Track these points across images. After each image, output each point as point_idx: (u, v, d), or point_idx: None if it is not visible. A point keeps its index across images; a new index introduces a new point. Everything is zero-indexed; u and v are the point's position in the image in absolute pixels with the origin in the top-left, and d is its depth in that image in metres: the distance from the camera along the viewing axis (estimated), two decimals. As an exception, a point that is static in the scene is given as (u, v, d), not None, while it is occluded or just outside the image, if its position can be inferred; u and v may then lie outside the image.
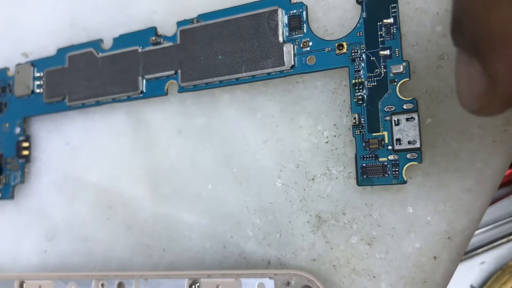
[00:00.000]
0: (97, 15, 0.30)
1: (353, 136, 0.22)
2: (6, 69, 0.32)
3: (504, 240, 0.37)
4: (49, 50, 0.31)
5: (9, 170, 0.31)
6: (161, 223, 0.26)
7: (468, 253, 0.38)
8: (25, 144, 0.30)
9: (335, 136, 0.23)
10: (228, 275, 0.23)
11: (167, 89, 0.26)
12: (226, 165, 0.25)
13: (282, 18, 0.23)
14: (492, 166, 0.20)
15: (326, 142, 0.23)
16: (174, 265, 0.26)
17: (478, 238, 0.38)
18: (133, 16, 0.28)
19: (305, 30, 0.23)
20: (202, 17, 0.25)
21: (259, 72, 0.23)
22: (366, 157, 0.21)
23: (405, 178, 0.20)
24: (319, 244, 0.23)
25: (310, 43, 0.23)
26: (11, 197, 0.31)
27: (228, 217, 0.25)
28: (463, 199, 0.21)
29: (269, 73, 0.23)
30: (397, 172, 0.21)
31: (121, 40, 0.27)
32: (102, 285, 0.26)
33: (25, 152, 0.30)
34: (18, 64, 0.31)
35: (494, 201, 0.38)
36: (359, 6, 0.22)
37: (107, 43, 0.28)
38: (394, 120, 0.21)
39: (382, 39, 0.21)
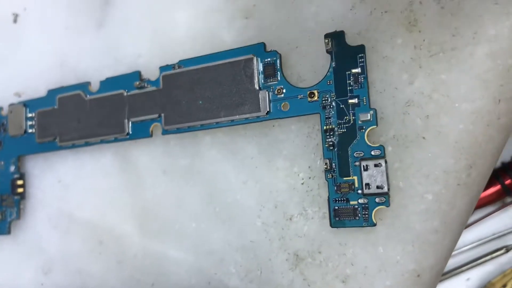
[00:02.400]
0: (85, 57, 0.31)
1: (326, 180, 0.23)
2: (0, 109, 0.33)
3: (488, 257, 0.38)
4: (41, 89, 0.32)
5: (5, 207, 0.32)
6: (149, 259, 0.28)
7: (454, 270, 0.39)
8: (20, 182, 0.32)
9: (309, 178, 0.24)
10: (211, 312, 0.24)
11: (151, 131, 0.27)
12: (209, 204, 0.26)
13: (258, 66, 0.24)
14: (457, 208, 0.22)
15: (302, 184, 0.24)
16: (163, 300, 0.27)
17: (464, 256, 0.39)
18: (119, 58, 0.29)
19: (279, 78, 0.24)
20: (183, 62, 0.26)
21: (237, 117, 0.25)
22: (338, 200, 0.22)
23: (375, 221, 0.22)
24: (297, 281, 0.24)
25: (284, 90, 0.24)
26: (8, 232, 0.32)
27: (212, 254, 0.26)
28: (430, 239, 0.22)
29: (246, 118, 0.24)
30: (367, 215, 0.22)
31: (108, 83, 0.29)
32: (95, 319, 0.27)
33: (20, 190, 0.32)
34: (11, 104, 0.32)
35: (478, 219, 0.39)
36: (329, 55, 0.23)
37: (95, 86, 0.29)
38: (363, 166, 0.22)
39: (350, 87, 0.22)
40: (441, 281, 0.39)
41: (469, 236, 0.39)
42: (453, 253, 0.35)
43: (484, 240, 0.39)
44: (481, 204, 0.38)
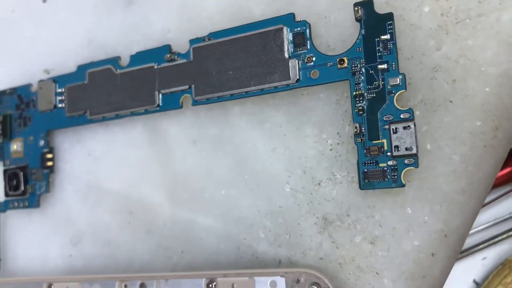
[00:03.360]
0: (114, 34, 0.32)
1: (355, 144, 0.23)
2: (29, 85, 0.34)
3: (504, 236, 0.39)
4: (69, 66, 0.33)
5: (34, 180, 0.33)
6: (179, 227, 0.28)
7: (470, 249, 0.40)
8: (49, 156, 0.33)
9: (338, 143, 0.25)
10: (242, 274, 0.25)
11: (182, 103, 0.28)
12: (238, 172, 0.27)
13: (287, 35, 0.25)
14: (483, 169, 0.22)
15: (331, 150, 0.25)
16: (192, 266, 0.28)
17: (480, 235, 0.40)
18: (148, 34, 0.30)
19: (308, 47, 0.25)
20: (213, 35, 0.27)
21: (266, 86, 0.25)
22: (367, 163, 0.23)
23: (404, 182, 0.22)
24: (326, 244, 0.25)
25: (314, 58, 0.24)
26: (37, 205, 0.33)
27: (241, 220, 0.27)
28: (457, 200, 0.22)
29: (276, 87, 0.25)
30: (396, 177, 0.22)
31: (138, 57, 0.29)
32: (125, 286, 0.28)
33: (49, 163, 0.32)
34: (41, 81, 0.33)
35: (494, 199, 0.40)
36: (358, 24, 0.24)
37: (125, 60, 0.30)
38: (392, 129, 0.23)
39: (379, 54, 0.23)
40: (457, 259, 0.40)
41: (485, 215, 0.40)
42: (470, 232, 0.35)
43: (500, 219, 0.40)
44: (497, 183, 0.39)
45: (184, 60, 0.28)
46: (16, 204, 0.33)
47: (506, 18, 0.22)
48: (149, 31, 0.30)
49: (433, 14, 0.23)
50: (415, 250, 0.23)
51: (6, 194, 0.33)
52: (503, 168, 0.39)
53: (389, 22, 0.23)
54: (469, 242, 0.40)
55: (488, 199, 0.40)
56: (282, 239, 0.26)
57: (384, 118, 0.23)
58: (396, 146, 0.22)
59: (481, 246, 0.39)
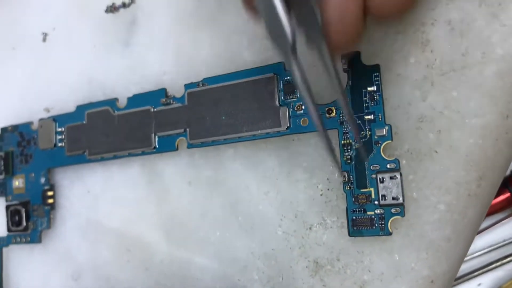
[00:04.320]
0: (112, 74, 0.33)
1: (344, 191, 0.24)
2: (30, 123, 0.35)
3: (498, 263, 0.39)
4: (69, 105, 0.34)
5: (36, 217, 0.34)
6: (176, 265, 0.29)
7: (466, 276, 0.40)
8: (50, 193, 0.33)
9: (328, 189, 0.25)
10: (236, 316, 0.25)
11: (177, 145, 0.29)
12: (232, 214, 0.28)
13: (278, 84, 0.26)
14: (468, 217, 0.23)
15: (321, 195, 0.26)
16: (189, 305, 0.28)
17: (475, 261, 0.41)
18: (145, 76, 0.31)
19: (298, 95, 0.25)
20: (207, 80, 0.28)
21: (258, 132, 0.26)
22: (356, 211, 0.24)
23: (390, 230, 0.23)
24: (317, 287, 0.25)
25: (303, 107, 0.25)
26: (39, 241, 0.34)
27: (236, 261, 0.27)
28: (443, 247, 0.23)
29: (267, 133, 0.26)
30: (383, 225, 0.23)
31: (135, 100, 0.30)
32: (124, 323, 0.28)
33: (50, 200, 0.33)
34: (41, 119, 0.34)
35: (489, 226, 0.41)
36: (346, 74, 0.25)
37: (122, 102, 0.31)
38: (379, 178, 0.23)
39: (366, 104, 0.24)
40: (453, 286, 0.40)
41: (480, 242, 0.40)
42: (465, 259, 0.36)
43: (494, 246, 0.40)
44: (492, 211, 0.39)
45: (179, 104, 0.29)
46: (18, 239, 0.34)
47: (488, 71, 0.22)
48: (145, 73, 0.31)
49: (419, 65, 0.24)
50: (403, 296, 0.23)
51: (9, 230, 0.34)
52: (497, 196, 0.40)
53: (375, 74, 0.24)
54: (464, 268, 0.41)
55: (483, 226, 0.41)
56: (275, 281, 0.26)
57: (371, 167, 0.24)
58: (383, 195, 0.23)
59: (476, 273, 0.40)
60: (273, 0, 0.19)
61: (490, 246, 0.40)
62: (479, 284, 0.40)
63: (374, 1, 0.20)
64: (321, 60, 0.21)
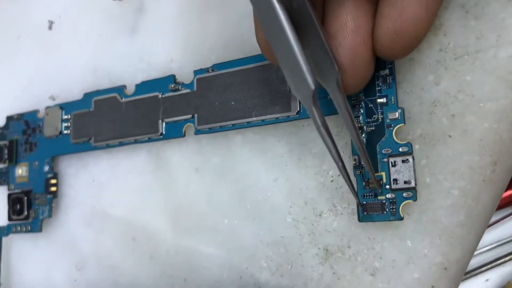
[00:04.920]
0: (118, 62, 0.32)
1: (354, 176, 0.24)
2: (36, 111, 0.34)
3: (507, 258, 0.39)
4: (74, 93, 0.34)
5: (37, 205, 0.33)
6: (182, 255, 0.29)
7: (473, 271, 0.40)
8: (53, 181, 0.33)
9: (338, 175, 0.25)
10: (244, 304, 0.25)
11: (184, 131, 0.28)
12: (240, 201, 0.27)
13: (288, 68, 0.25)
14: (482, 203, 0.22)
15: (331, 181, 0.25)
16: (195, 294, 0.28)
17: (483, 256, 0.40)
18: (152, 63, 0.31)
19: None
20: (216, 66, 0.28)
21: (268, 117, 0.26)
22: (366, 196, 0.23)
23: (402, 215, 0.23)
24: (327, 275, 0.25)
25: (314, 92, 0.25)
26: (40, 230, 0.33)
27: (244, 249, 0.27)
28: (457, 233, 0.23)
29: (277, 118, 0.26)
30: (394, 210, 0.23)
31: (143, 87, 0.30)
32: (129, 312, 0.28)
33: (53, 188, 0.33)
34: (48, 107, 0.34)
35: (498, 220, 0.40)
36: (358, 58, 0.24)
37: (130, 89, 0.31)
38: (391, 162, 0.23)
39: (379, 88, 0.24)
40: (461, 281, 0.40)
41: (488, 237, 0.40)
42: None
43: (503, 241, 0.40)
44: (501, 205, 0.39)
45: (188, 90, 0.28)
46: (18, 228, 0.34)
47: (503, 54, 0.22)
48: (153, 60, 0.31)
49: (432, 49, 0.23)
50: (415, 283, 0.23)
51: (10, 218, 0.34)
52: (507, 189, 0.39)
53: (388, 58, 0.23)
54: (472, 263, 0.40)
55: (492, 220, 0.40)
56: (284, 269, 0.26)
57: (383, 151, 0.23)
58: (395, 179, 0.23)
59: (483, 268, 0.39)
60: (293, 49, 0.19)
61: (499, 241, 0.40)
62: (487, 280, 0.40)
63: (382, 45, 0.21)
64: (335, 100, 0.22)
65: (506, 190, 0.39)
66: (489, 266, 0.40)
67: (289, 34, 0.19)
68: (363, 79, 0.21)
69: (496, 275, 0.40)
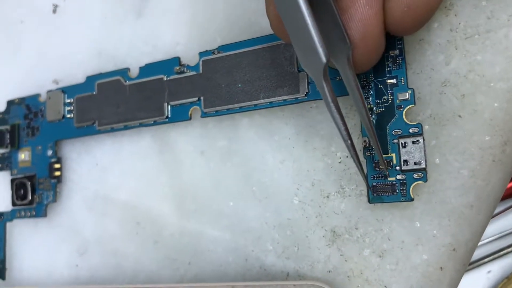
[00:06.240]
0: (123, 45, 0.32)
1: (364, 158, 0.24)
2: (38, 95, 0.34)
3: (509, 249, 0.39)
4: (78, 77, 0.33)
5: (42, 190, 0.33)
6: (186, 238, 0.28)
7: (475, 263, 0.40)
8: (57, 166, 0.33)
9: (347, 156, 0.25)
10: (250, 286, 0.25)
11: (190, 114, 0.28)
12: (246, 184, 0.27)
13: (297, 49, 0.25)
14: (492, 184, 0.22)
15: (339, 162, 0.25)
16: (199, 278, 0.28)
17: (485, 248, 0.40)
18: (157, 46, 0.31)
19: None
20: (222, 48, 0.27)
21: (275, 99, 0.26)
22: (376, 177, 0.23)
23: (412, 196, 0.22)
24: (334, 257, 0.25)
25: (323, 72, 0.25)
26: (45, 215, 0.33)
27: (249, 232, 0.27)
28: (466, 214, 0.22)
29: (285, 100, 0.25)
30: (404, 191, 0.23)
31: (147, 69, 0.30)
32: (132, 296, 0.28)
33: (57, 173, 0.33)
34: (50, 91, 0.33)
35: (500, 212, 0.40)
36: (367, 38, 0.24)
37: (134, 72, 0.30)
38: (401, 143, 0.23)
39: (389, 68, 0.23)
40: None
41: (490, 228, 0.40)
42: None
43: (505, 233, 0.40)
44: (505, 195, 0.39)
45: (193, 73, 0.28)
46: (23, 213, 0.33)
47: (514, 34, 0.22)
48: (158, 43, 0.31)
49: (442, 29, 0.23)
50: (423, 264, 0.23)
51: (13, 203, 0.34)
52: (511, 180, 0.39)
53: (398, 38, 0.23)
54: (474, 255, 0.40)
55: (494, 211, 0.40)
56: (290, 252, 0.26)
57: (393, 132, 0.23)
58: (405, 161, 0.23)
59: (486, 260, 0.39)
60: (306, 21, 0.19)
61: (501, 233, 0.40)
62: (489, 271, 0.40)
63: (394, 18, 0.20)
64: (345, 79, 0.22)
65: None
66: (491, 257, 0.39)
67: (303, 5, 0.18)
68: (374, 54, 0.21)
69: (498, 267, 0.40)
